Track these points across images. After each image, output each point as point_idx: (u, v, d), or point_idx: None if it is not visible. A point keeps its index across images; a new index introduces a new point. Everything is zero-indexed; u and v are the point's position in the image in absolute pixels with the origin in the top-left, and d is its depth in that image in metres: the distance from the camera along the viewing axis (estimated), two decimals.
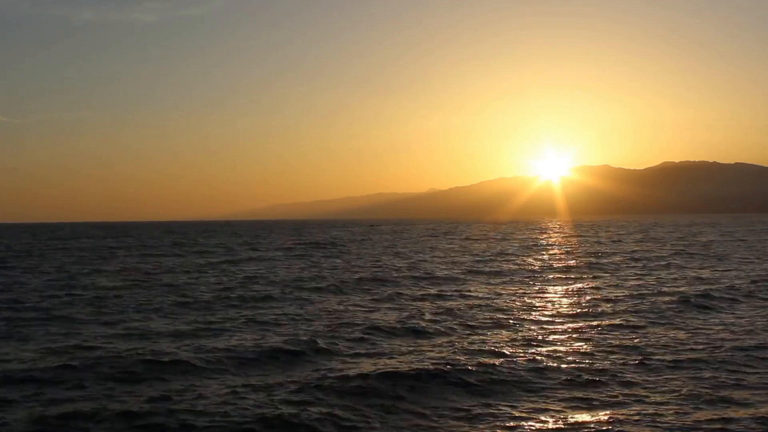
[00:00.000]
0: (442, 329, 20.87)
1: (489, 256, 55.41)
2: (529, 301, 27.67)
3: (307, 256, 56.69)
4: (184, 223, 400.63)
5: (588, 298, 28.25)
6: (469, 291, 30.98)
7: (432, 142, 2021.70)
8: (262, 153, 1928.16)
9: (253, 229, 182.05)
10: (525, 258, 52.24)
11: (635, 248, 62.14)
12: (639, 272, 39.35)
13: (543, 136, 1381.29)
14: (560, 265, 45.32)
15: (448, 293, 29.94)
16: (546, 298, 28.77)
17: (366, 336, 19.54)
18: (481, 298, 28.32)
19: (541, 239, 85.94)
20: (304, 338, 18.82)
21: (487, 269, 42.59)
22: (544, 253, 58.44)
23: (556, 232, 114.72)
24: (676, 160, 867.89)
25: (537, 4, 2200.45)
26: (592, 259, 49.29)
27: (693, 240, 77.62)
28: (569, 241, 78.84)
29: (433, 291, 30.90)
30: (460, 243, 78.60)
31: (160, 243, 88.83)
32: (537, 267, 44.29)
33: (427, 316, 23.08)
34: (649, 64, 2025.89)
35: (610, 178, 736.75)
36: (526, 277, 37.65)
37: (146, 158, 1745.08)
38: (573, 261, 48.48)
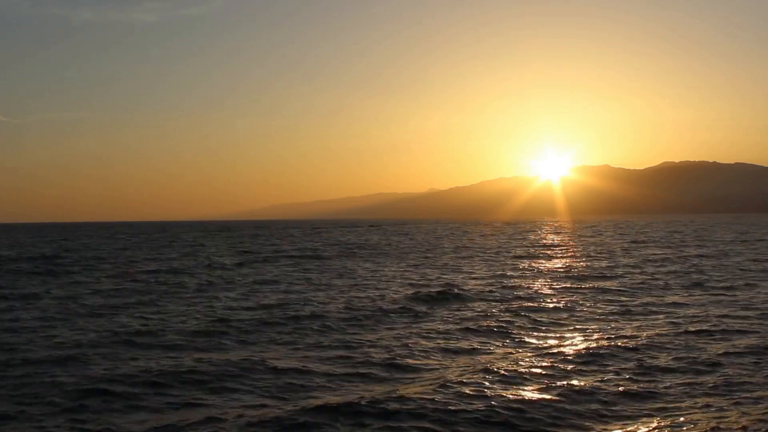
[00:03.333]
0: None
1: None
2: None
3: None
4: (185, 223, 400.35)
5: None
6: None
7: (432, 142, 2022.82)
8: (262, 153, 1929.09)
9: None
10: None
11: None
12: None
13: (543, 136, 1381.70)
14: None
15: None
16: None
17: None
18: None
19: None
20: None
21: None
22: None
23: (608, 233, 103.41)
24: (676, 160, 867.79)
25: (537, 4, 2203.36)
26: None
27: None
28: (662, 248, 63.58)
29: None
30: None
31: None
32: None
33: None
34: (649, 64, 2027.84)
35: (610, 178, 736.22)
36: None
37: (146, 158, 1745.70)
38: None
